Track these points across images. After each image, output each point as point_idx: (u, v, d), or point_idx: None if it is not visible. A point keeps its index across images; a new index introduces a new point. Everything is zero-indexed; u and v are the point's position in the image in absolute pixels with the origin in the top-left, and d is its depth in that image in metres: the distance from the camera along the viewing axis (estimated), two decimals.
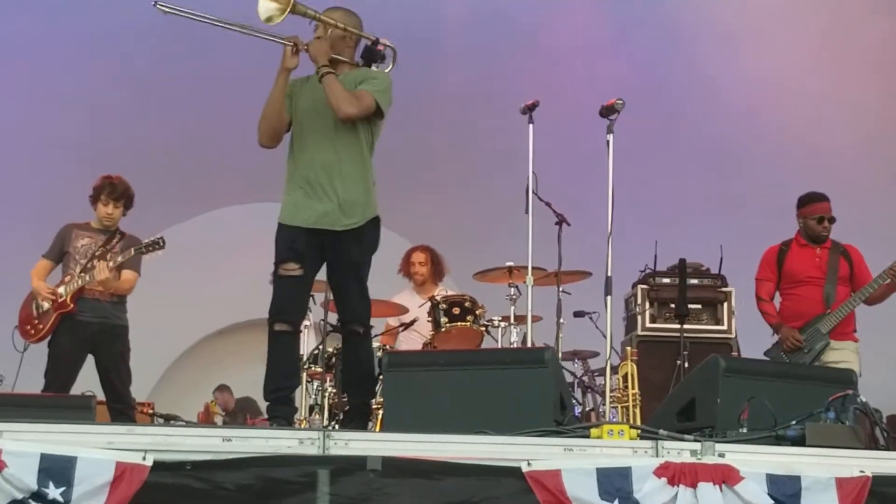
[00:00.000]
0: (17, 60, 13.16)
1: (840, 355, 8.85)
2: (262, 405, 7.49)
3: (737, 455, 5.75)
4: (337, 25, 7.23)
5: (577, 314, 10.44)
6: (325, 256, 7.14)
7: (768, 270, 9.21)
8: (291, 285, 7.06)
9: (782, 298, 9.23)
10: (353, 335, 7.24)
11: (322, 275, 7.33)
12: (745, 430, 6.05)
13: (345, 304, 7.22)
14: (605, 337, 8.07)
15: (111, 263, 8.64)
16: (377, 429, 7.98)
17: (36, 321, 8.84)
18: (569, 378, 10.17)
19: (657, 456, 5.72)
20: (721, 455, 5.72)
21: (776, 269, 9.16)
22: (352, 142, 7.12)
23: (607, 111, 7.92)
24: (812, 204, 9.09)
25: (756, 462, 5.72)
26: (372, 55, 7.35)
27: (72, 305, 8.73)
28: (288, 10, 7.01)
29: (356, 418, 7.23)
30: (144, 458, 5.41)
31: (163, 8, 7.08)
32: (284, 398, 7.03)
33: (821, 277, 9.01)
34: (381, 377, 7.49)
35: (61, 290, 8.76)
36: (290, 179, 7.17)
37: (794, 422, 6.04)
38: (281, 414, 6.95)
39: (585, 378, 10.43)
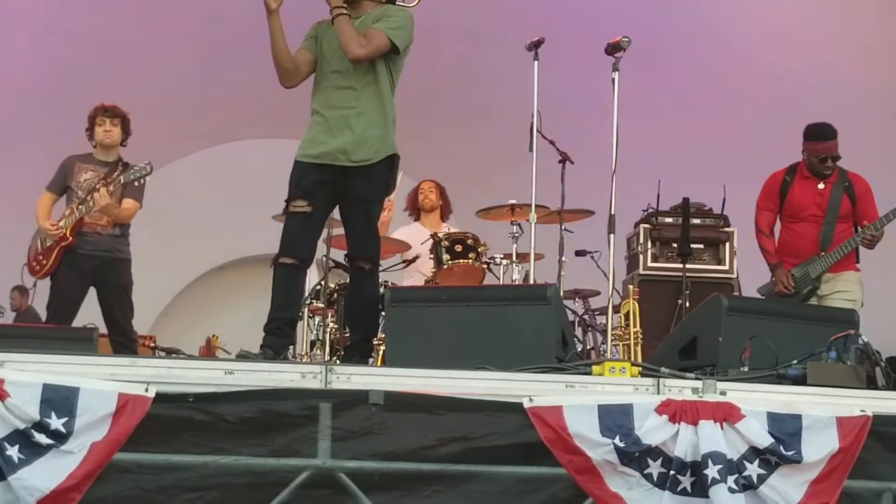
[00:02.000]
0: None
1: (839, 284, 8.70)
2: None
3: (738, 393, 5.76)
4: None
5: (579, 253, 10.43)
6: (337, 192, 7.13)
7: (769, 200, 8.96)
8: (299, 221, 7.05)
9: (782, 229, 9.00)
10: (359, 271, 7.22)
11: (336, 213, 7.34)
12: (746, 369, 6.08)
13: (353, 239, 7.20)
14: (606, 276, 8.07)
15: (111, 188, 8.64)
16: (379, 364, 8.00)
17: (40, 257, 8.85)
18: (570, 317, 10.19)
19: (658, 393, 5.74)
20: (722, 393, 5.73)
21: (778, 199, 8.89)
22: (370, 80, 7.09)
23: (613, 49, 7.88)
24: (817, 142, 8.74)
25: (757, 400, 5.74)
26: None
27: (71, 239, 8.72)
28: None
29: (357, 354, 7.24)
30: (147, 390, 5.42)
31: None
32: (276, 328, 7.00)
33: (819, 216, 8.76)
34: (383, 312, 7.49)
35: (62, 223, 8.75)
36: (312, 112, 7.17)
37: (795, 361, 6.06)
38: (271, 344, 6.93)
39: (587, 317, 10.44)
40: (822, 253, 8.67)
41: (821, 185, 8.77)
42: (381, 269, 9.80)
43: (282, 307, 7.07)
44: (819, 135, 8.78)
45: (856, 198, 8.79)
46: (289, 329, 7.18)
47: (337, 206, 7.24)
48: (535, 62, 8.44)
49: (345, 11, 7.07)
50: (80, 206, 8.72)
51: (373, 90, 7.10)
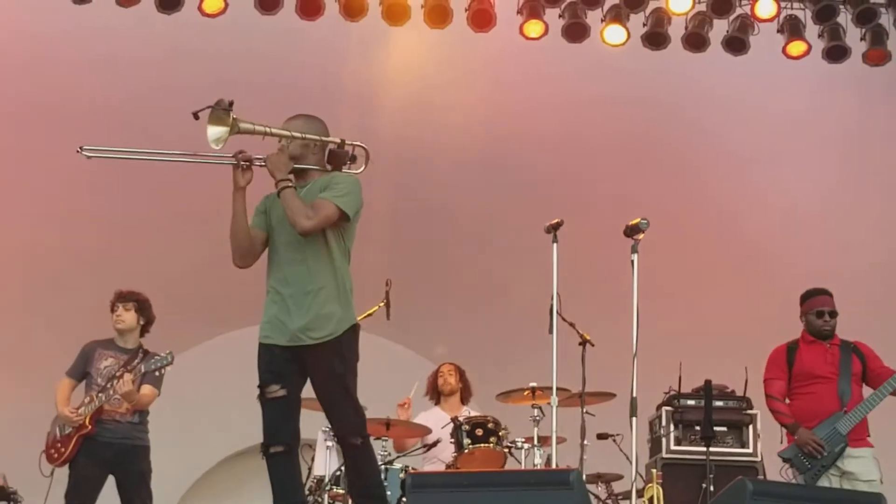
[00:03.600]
0: (46, 175, 13.25)
1: (858, 465, 8.67)
2: None
3: None
4: (292, 135, 7.10)
5: (601, 436, 10.34)
6: (306, 369, 7.03)
7: (777, 369, 9.01)
8: (277, 407, 6.98)
9: (793, 399, 8.99)
10: (351, 448, 7.08)
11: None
12: None
13: (337, 418, 7.09)
14: (629, 459, 8.00)
15: (132, 376, 8.63)
16: None
17: (59, 444, 8.83)
18: (593, 502, 10.08)
19: None
20: None
21: (786, 367, 8.95)
22: (321, 252, 7.00)
23: (631, 230, 7.92)
24: (812, 298, 8.95)
25: None
26: (339, 158, 7.18)
27: (90, 427, 8.71)
28: (230, 130, 6.93)
29: None
30: None
31: (87, 154, 7.11)
32: None
33: (834, 373, 8.81)
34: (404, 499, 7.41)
35: (81, 411, 8.74)
36: (268, 294, 7.09)
37: None
38: None
39: (609, 502, 10.32)
40: (844, 409, 8.65)
41: (828, 346, 8.83)
42: (403, 454, 9.84)
43: (284, 495, 7.00)
44: (813, 292, 9.03)
45: (865, 359, 8.90)
46: None
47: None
48: (555, 244, 8.47)
49: (290, 184, 6.99)
50: (99, 395, 8.72)
51: (326, 263, 7.00)
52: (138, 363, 8.84)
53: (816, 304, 8.93)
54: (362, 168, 7.27)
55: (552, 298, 8.59)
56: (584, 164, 13.66)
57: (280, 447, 6.96)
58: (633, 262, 7.89)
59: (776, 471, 9.26)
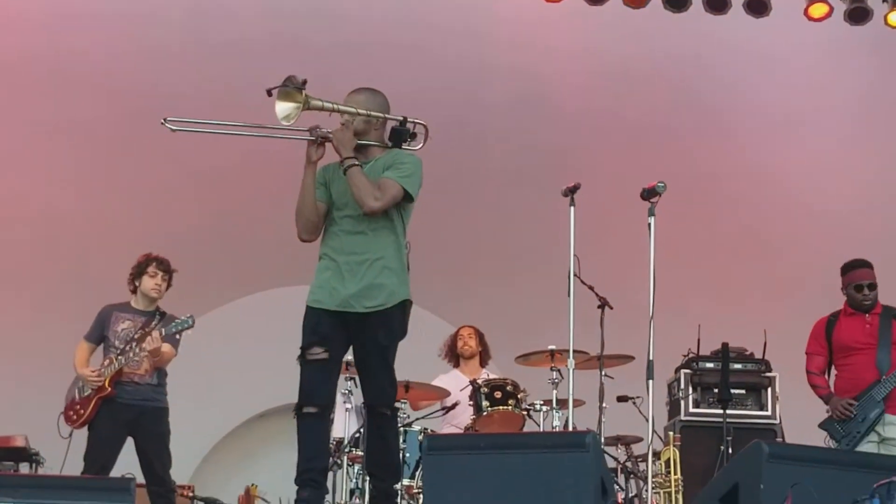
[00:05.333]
0: (67, 141, 13.29)
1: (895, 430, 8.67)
2: None
3: None
4: (358, 112, 7.16)
5: (621, 399, 10.33)
6: (351, 338, 7.10)
7: (817, 344, 9.01)
8: (317, 369, 7.00)
9: (837, 372, 8.99)
10: (381, 418, 7.16)
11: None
12: None
13: (372, 387, 7.15)
14: (648, 418, 8.00)
15: (157, 333, 8.66)
16: None
17: (78, 406, 8.87)
18: (612, 464, 10.09)
19: None
20: None
21: (825, 341, 8.95)
22: (383, 224, 7.09)
23: (648, 194, 7.88)
24: (852, 271, 8.90)
25: None
26: (401, 135, 7.26)
27: (110, 389, 8.76)
28: (302, 107, 6.98)
29: (385, 502, 7.17)
30: None
31: (171, 126, 7.13)
32: (310, 480, 6.94)
33: (872, 344, 8.79)
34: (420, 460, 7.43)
35: (102, 372, 8.78)
36: (321, 257, 7.16)
37: None
38: (306, 498, 6.89)
39: (629, 464, 10.33)
40: (883, 377, 8.62)
41: (868, 318, 8.80)
42: (422, 416, 9.87)
43: (312, 457, 7.01)
44: (853, 265, 8.95)
45: None
46: (321, 479, 7.11)
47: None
48: (572, 207, 8.44)
49: (356, 162, 7.04)
50: (119, 357, 8.76)
51: (386, 235, 7.09)
52: (156, 325, 8.88)
53: (856, 277, 8.87)
54: (421, 145, 7.34)
55: (570, 261, 8.58)
56: (605, 128, 13.63)
57: (314, 408, 6.99)
58: (649, 225, 7.86)
59: (795, 433, 9.27)
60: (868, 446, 8.63)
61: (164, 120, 7.12)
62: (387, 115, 7.27)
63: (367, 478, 8.27)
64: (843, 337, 8.88)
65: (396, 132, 7.27)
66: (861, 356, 8.81)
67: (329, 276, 7.06)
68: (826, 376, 9.00)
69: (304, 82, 7.00)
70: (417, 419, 9.73)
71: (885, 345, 8.77)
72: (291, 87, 6.99)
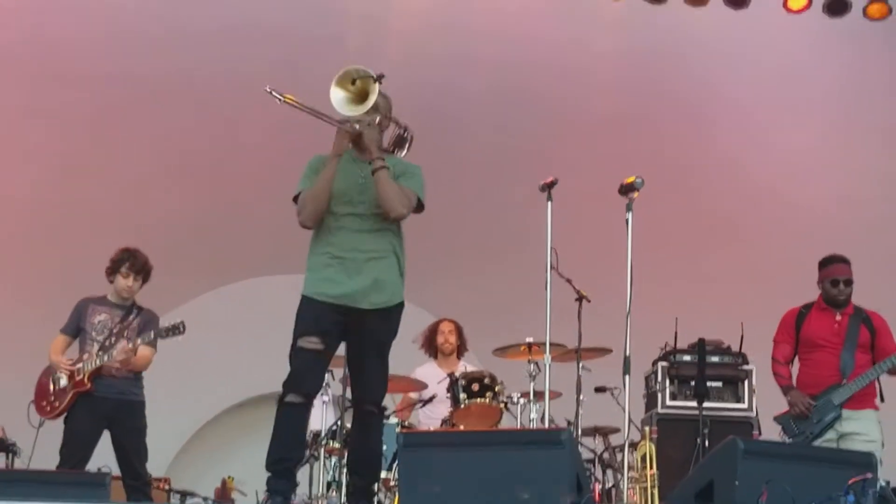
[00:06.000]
0: (46, 129, 13.26)
1: (859, 425, 8.67)
2: None
3: None
4: (388, 116, 7.29)
5: (599, 389, 10.36)
6: (347, 334, 7.09)
7: (785, 333, 9.03)
8: (311, 359, 6.98)
9: (800, 364, 9.03)
10: (368, 415, 7.19)
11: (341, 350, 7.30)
12: None
13: (365, 383, 7.16)
14: (625, 411, 8.01)
15: (131, 345, 8.63)
16: None
17: (52, 398, 8.84)
18: (589, 455, 10.12)
19: None
20: None
21: (794, 331, 8.97)
22: (386, 226, 7.13)
23: (626, 189, 7.86)
24: (829, 266, 8.90)
25: None
26: (402, 142, 7.41)
27: (89, 385, 8.73)
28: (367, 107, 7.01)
29: (365, 499, 7.17)
30: None
31: (277, 96, 7.05)
32: (286, 470, 6.94)
33: (838, 344, 8.80)
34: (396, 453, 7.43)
35: (79, 366, 8.76)
36: (320, 253, 7.11)
37: None
38: (280, 489, 6.88)
39: (606, 454, 10.35)
40: (844, 381, 8.64)
41: (838, 317, 8.81)
42: (397, 409, 9.87)
43: (290, 448, 7.01)
44: (829, 260, 8.94)
45: (875, 330, 8.83)
46: (295, 471, 7.11)
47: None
48: (549, 202, 8.43)
49: (386, 165, 7.07)
50: (100, 353, 8.72)
51: (391, 236, 7.13)
52: (133, 319, 8.87)
53: (832, 272, 8.87)
54: (405, 152, 7.47)
55: (547, 254, 8.58)
56: (584, 119, 13.64)
57: (299, 398, 6.97)
58: (627, 220, 7.85)
59: (772, 426, 9.29)
60: (825, 445, 8.64)
61: (269, 90, 7.00)
62: (398, 121, 7.38)
63: (347, 473, 8.28)
64: (811, 331, 8.90)
65: (401, 139, 7.40)
66: (825, 354, 8.82)
67: (332, 272, 7.03)
68: (790, 366, 9.03)
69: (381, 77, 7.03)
70: (394, 411, 9.74)
71: (850, 347, 8.78)
72: (376, 78, 7.01)
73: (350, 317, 7.03)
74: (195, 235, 13.27)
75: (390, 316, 7.11)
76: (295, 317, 7.13)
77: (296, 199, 7.18)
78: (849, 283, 8.86)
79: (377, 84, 6.97)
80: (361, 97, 7.00)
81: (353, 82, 7.00)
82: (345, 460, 9.25)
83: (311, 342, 6.97)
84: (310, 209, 7.07)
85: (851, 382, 8.68)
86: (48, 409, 8.84)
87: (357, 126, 7.05)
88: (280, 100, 7.01)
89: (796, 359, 9.06)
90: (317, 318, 7.01)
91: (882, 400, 8.82)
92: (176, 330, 8.72)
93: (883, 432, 8.70)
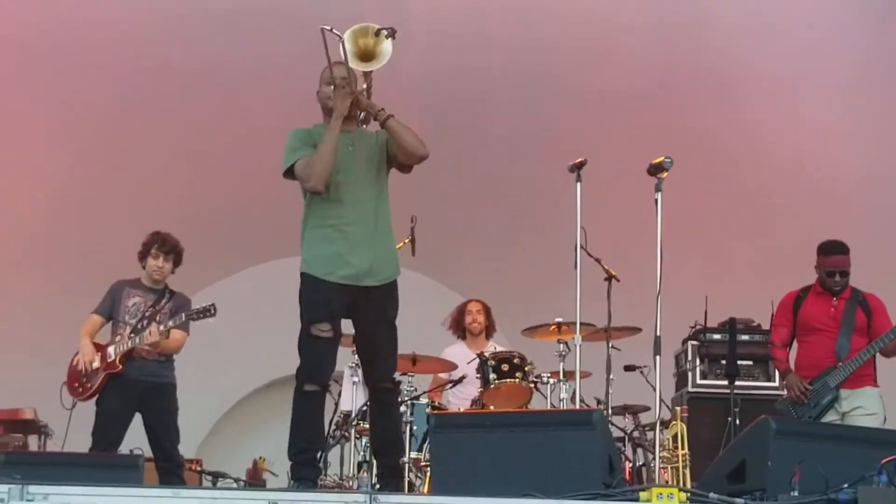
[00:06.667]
0: (69, 117, 13.31)
1: (858, 400, 8.69)
2: None
3: None
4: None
5: (628, 368, 10.34)
6: (354, 313, 7.04)
7: (783, 316, 9.04)
8: (324, 347, 6.96)
9: (798, 346, 9.04)
10: (387, 393, 7.19)
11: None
12: (796, 494, 5.98)
13: (380, 362, 7.14)
14: (655, 391, 8.01)
15: (162, 327, 8.65)
16: (425, 490, 7.93)
17: (84, 380, 8.86)
18: (619, 434, 10.11)
19: None
20: None
21: (791, 315, 8.97)
22: (384, 192, 7.10)
23: (655, 169, 7.82)
24: (827, 256, 8.86)
25: None
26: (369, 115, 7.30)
27: (121, 367, 8.75)
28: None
29: (393, 479, 7.16)
30: None
31: (336, 32, 7.05)
32: (311, 459, 6.98)
33: (834, 328, 8.80)
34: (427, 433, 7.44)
35: (111, 349, 8.79)
36: (319, 226, 7.04)
37: (846, 485, 5.96)
38: (307, 476, 6.89)
39: (636, 433, 10.35)
40: (840, 363, 8.64)
41: (834, 301, 8.82)
42: (428, 389, 9.89)
43: (313, 438, 7.04)
44: (828, 249, 8.90)
45: (871, 311, 8.86)
46: (318, 459, 7.14)
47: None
48: (578, 183, 8.42)
49: (391, 113, 7.02)
50: (132, 335, 8.75)
51: (384, 203, 7.10)
52: (166, 303, 8.89)
53: (830, 263, 8.84)
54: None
55: (576, 234, 8.56)
56: (609, 97, 13.59)
57: (316, 387, 6.96)
58: (656, 200, 7.81)
59: None
60: None
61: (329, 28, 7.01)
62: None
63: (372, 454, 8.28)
64: (808, 315, 8.91)
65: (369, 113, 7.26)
66: (821, 337, 8.83)
67: (338, 248, 6.96)
68: (788, 350, 9.02)
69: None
70: (425, 392, 9.74)
71: (846, 331, 8.78)
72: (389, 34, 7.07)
73: (356, 295, 6.98)
74: (222, 219, 13.29)
75: (394, 290, 7.09)
76: (300, 297, 7.09)
77: (288, 172, 7.10)
78: (845, 274, 8.83)
79: (390, 40, 6.95)
80: (366, 55, 6.98)
81: (363, 39, 6.97)
82: (367, 441, 9.32)
83: (324, 330, 6.93)
84: (319, 170, 6.91)
85: (846, 364, 8.69)
86: (80, 390, 8.87)
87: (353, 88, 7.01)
88: (338, 37, 6.98)
89: (795, 342, 9.07)
90: (327, 302, 6.96)
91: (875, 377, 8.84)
92: (207, 312, 8.74)
93: (885, 407, 8.71)
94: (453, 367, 10.02)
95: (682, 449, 8.68)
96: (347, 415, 9.43)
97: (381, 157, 7.11)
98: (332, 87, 7.02)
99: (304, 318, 7.00)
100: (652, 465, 9.57)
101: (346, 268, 6.94)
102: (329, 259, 6.98)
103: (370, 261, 6.96)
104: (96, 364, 8.81)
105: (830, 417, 8.67)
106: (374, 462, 7.81)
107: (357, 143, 7.05)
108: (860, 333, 8.80)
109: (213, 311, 8.73)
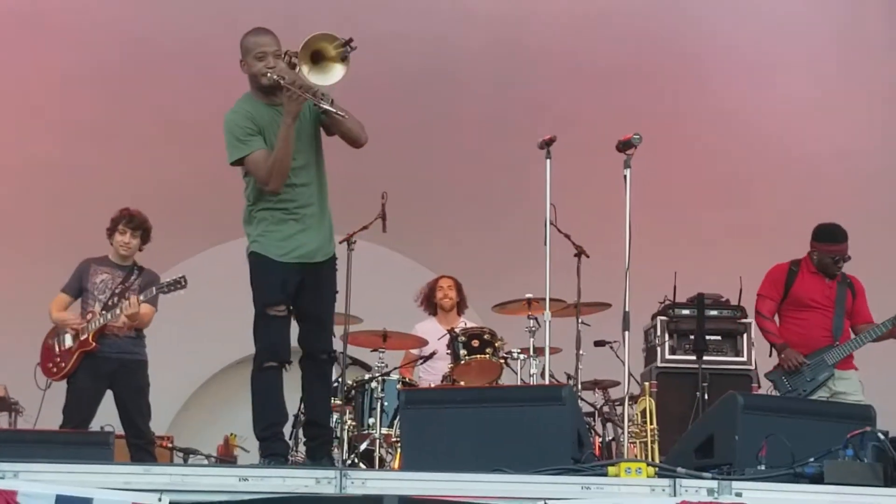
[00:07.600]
0: (49, 90, 13.26)
1: (847, 385, 8.84)
2: None
3: (754, 493, 5.73)
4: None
5: (598, 343, 10.39)
6: (300, 289, 7.04)
7: (773, 289, 9.10)
8: (281, 326, 6.99)
9: (784, 322, 9.10)
10: (327, 364, 7.24)
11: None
12: (763, 468, 6.04)
13: (322, 333, 7.18)
14: (625, 366, 8.05)
15: (143, 297, 8.66)
16: (396, 465, 7.96)
17: (57, 359, 8.86)
18: (589, 409, 10.16)
19: (675, 495, 5.72)
20: (738, 494, 5.69)
21: (783, 289, 9.05)
22: (323, 173, 7.11)
23: (624, 146, 7.82)
24: (831, 243, 8.95)
25: (774, 500, 5.70)
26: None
27: (94, 344, 8.75)
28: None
29: (329, 453, 7.26)
30: (160, 500, 5.42)
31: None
32: (278, 433, 7.02)
33: (828, 307, 8.94)
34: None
35: (83, 325, 8.77)
36: (271, 211, 6.99)
37: (812, 459, 6.03)
38: (277, 450, 6.92)
39: (606, 408, 10.40)
40: (837, 343, 8.74)
41: (828, 281, 8.91)
42: (399, 365, 9.91)
43: (278, 413, 7.06)
44: (832, 237, 8.99)
45: (856, 294, 9.04)
46: (283, 432, 7.20)
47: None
48: (548, 160, 8.45)
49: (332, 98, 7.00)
50: (104, 312, 8.75)
51: (324, 176, 7.12)
52: (135, 280, 8.89)
53: (835, 250, 8.94)
54: None
55: (546, 210, 8.58)
56: (583, 73, 13.59)
57: (276, 363, 7.00)
58: (625, 176, 7.83)
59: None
60: None
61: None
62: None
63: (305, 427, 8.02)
64: (802, 292, 8.99)
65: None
66: (816, 315, 8.96)
67: (291, 229, 6.97)
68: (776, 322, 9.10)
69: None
70: (396, 368, 9.77)
71: (840, 312, 8.95)
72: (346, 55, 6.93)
73: (307, 272, 7.02)
74: (194, 194, 13.26)
75: (334, 265, 7.20)
76: (252, 278, 7.10)
77: (239, 161, 7.05)
78: (847, 259, 8.96)
79: (347, 56, 6.92)
80: (318, 61, 6.93)
81: (316, 48, 6.93)
82: (346, 416, 9.35)
83: (281, 311, 6.97)
84: (277, 177, 6.90)
85: (844, 344, 8.85)
86: (54, 370, 8.86)
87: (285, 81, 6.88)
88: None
89: (777, 316, 9.13)
90: (283, 283, 6.98)
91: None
92: (178, 284, 8.75)
93: (864, 391, 8.88)
94: (424, 342, 10.06)
95: (651, 424, 8.72)
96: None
97: (315, 128, 7.11)
98: (262, 62, 6.97)
99: (260, 301, 7.04)
100: (621, 439, 9.63)
101: (300, 248, 6.99)
102: (285, 240, 7.00)
103: (320, 239, 7.04)
104: (69, 342, 8.81)
105: (821, 394, 8.78)
106: (304, 431, 7.78)
107: (299, 128, 7.02)
108: (848, 315, 8.99)
109: (183, 283, 8.75)
